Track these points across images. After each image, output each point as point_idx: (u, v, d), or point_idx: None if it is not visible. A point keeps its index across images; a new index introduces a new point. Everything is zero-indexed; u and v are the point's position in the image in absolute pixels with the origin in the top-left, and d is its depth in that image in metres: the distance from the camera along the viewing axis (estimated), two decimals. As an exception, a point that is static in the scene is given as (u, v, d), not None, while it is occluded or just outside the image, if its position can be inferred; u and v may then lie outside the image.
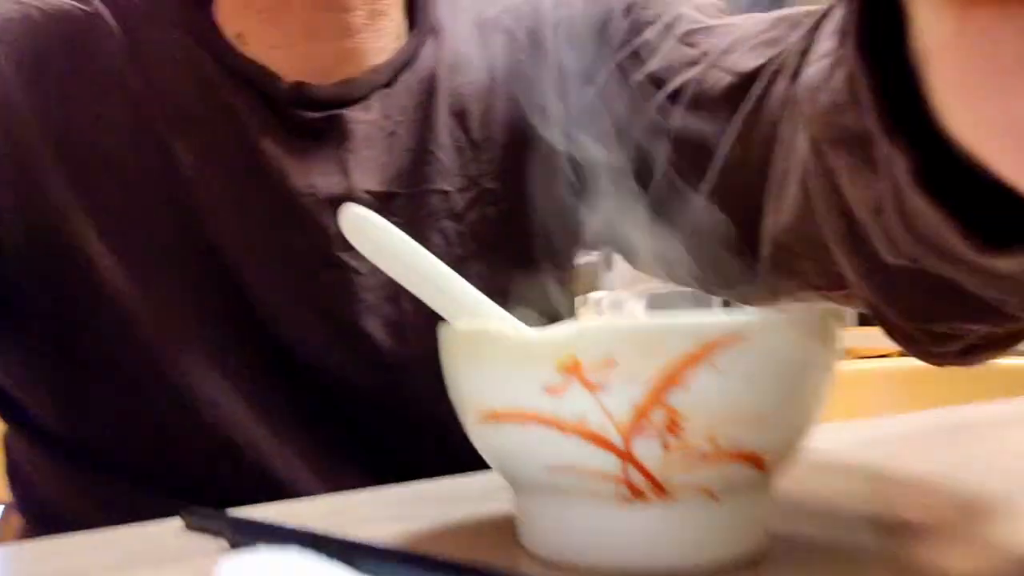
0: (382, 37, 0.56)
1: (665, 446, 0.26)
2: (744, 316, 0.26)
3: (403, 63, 0.56)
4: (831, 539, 0.32)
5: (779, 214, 0.37)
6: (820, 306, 0.29)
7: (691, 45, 0.52)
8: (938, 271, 0.24)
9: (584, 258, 0.68)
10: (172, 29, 0.54)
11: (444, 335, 0.31)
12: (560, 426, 0.27)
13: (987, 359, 0.30)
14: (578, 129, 0.56)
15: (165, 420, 0.52)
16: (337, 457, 0.54)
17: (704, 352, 0.25)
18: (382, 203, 0.54)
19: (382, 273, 0.52)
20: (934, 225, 0.21)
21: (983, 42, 0.10)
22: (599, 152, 0.52)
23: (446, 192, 0.56)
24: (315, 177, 0.53)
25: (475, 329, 0.29)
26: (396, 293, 0.53)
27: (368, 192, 0.54)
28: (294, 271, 0.53)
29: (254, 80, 0.53)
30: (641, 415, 0.26)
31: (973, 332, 0.29)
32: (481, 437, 0.30)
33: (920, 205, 0.21)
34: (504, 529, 0.34)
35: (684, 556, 0.28)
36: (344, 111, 0.54)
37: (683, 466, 0.27)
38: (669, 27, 0.54)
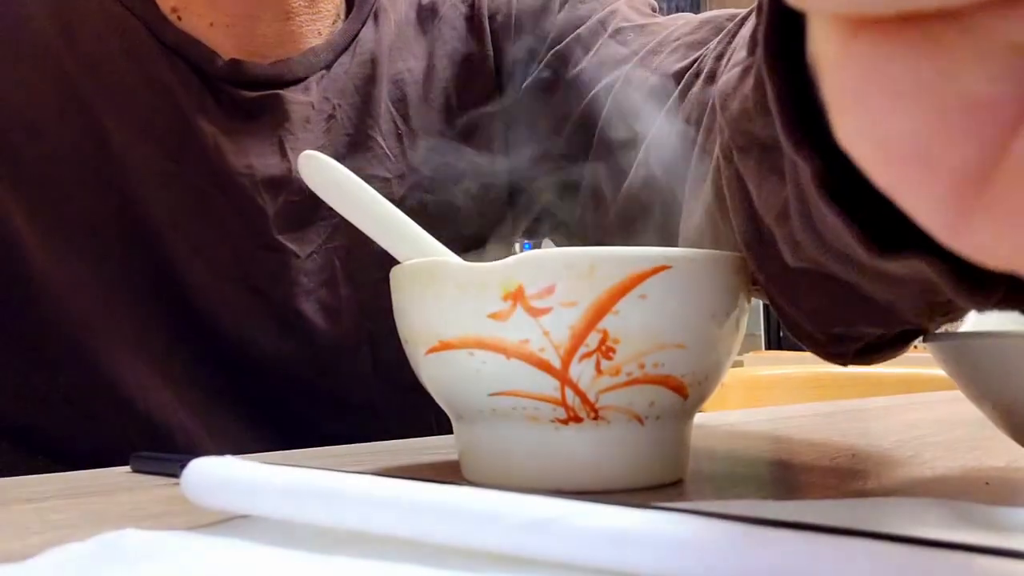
0: (320, 19, 0.56)
1: (598, 369, 0.29)
2: (672, 250, 0.29)
3: (343, 46, 0.56)
4: (744, 469, 0.36)
5: (692, 216, 0.38)
6: (735, 254, 0.32)
7: (622, 43, 0.54)
8: (838, 274, 0.25)
9: (518, 247, 0.71)
10: (105, 0, 0.53)
11: (395, 274, 0.33)
12: (504, 350, 0.29)
13: (883, 359, 0.32)
14: (512, 120, 0.58)
15: (89, 402, 0.51)
16: (268, 440, 0.52)
17: (634, 281, 0.28)
18: None
19: (319, 257, 0.54)
20: (835, 230, 0.22)
21: (864, 63, 0.11)
22: (532, 144, 0.56)
23: (385, 179, 0.56)
24: (252, 157, 0.52)
25: (425, 263, 0.32)
26: (333, 278, 0.53)
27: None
28: (229, 252, 0.52)
29: (189, 56, 0.52)
30: (577, 338, 0.28)
31: (869, 334, 0.30)
32: (429, 368, 0.32)
33: (822, 211, 0.21)
34: (446, 469, 0.37)
35: (615, 475, 0.31)
36: (282, 91, 0.54)
37: (614, 388, 0.29)
38: (603, 23, 0.56)
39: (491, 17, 0.60)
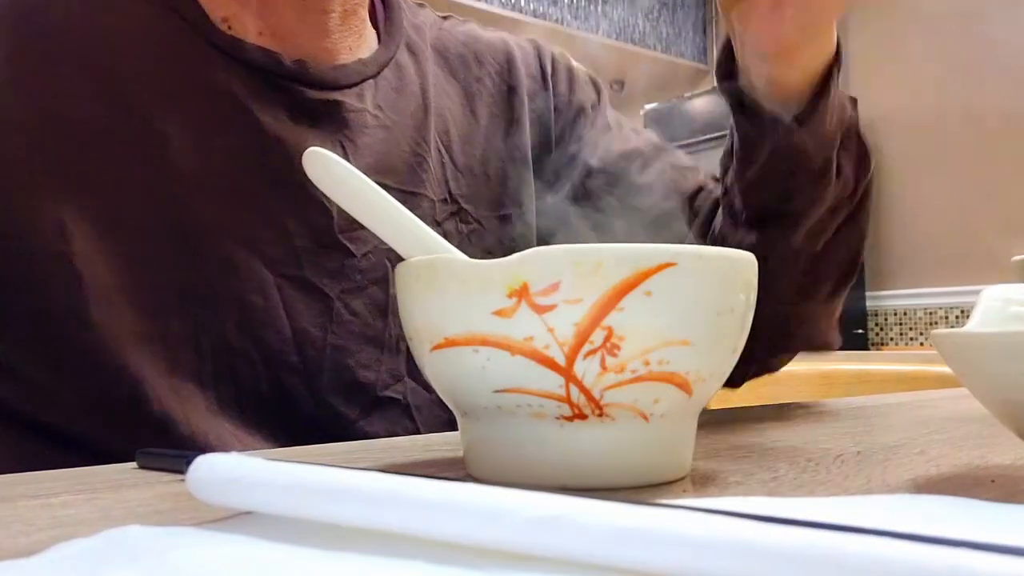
0: (350, 36, 0.59)
1: (603, 365, 0.29)
2: (678, 247, 0.29)
3: (383, 62, 0.60)
4: (749, 466, 0.36)
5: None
6: (742, 252, 0.32)
7: (635, 131, 0.74)
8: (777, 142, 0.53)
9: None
10: (145, 5, 0.54)
11: (400, 271, 0.33)
12: (509, 347, 0.29)
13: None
14: (542, 169, 0.67)
15: (124, 404, 0.50)
16: (302, 437, 0.52)
17: (640, 278, 0.28)
18: None
19: (373, 256, 0.57)
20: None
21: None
22: (557, 193, 0.65)
23: (432, 200, 0.59)
24: None
25: (430, 260, 0.32)
26: (384, 276, 0.56)
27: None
28: (288, 251, 0.53)
29: (250, 58, 0.54)
30: (582, 335, 0.28)
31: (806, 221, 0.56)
32: (434, 365, 0.32)
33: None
34: (452, 466, 0.37)
35: (620, 472, 0.31)
36: (340, 97, 0.57)
37: (619, 385, 0.29)
38: (619, 122, 0.74)
39: (542, 71, 0.69)
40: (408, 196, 0.58)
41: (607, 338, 0.28)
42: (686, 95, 4.51)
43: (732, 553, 0.17)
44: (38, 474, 0.36)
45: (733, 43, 0.54)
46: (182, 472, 0.37)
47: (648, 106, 4.58)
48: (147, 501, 0.30)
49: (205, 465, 0.25)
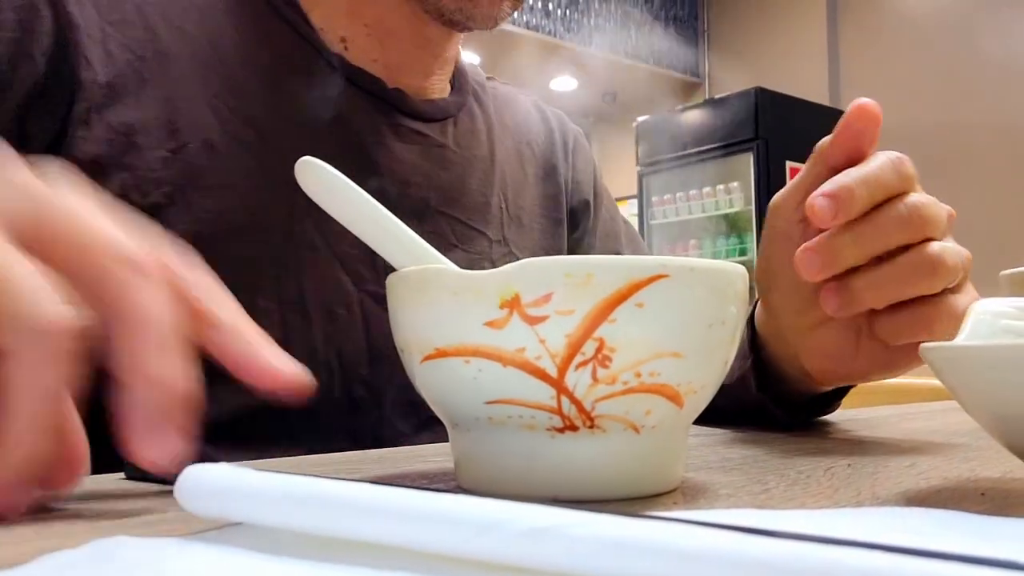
0: (443, 79, 0.66)
1: (595, 377, 0.29)
2: (670, 259, 0.29)
3: (459, 106, 0.66)
4: (739, 478, 0.36)
5: None
6: (734, 264, 0.32)
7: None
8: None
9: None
10: (266, 19, 0.57)
11: (391, 281, 0.33)
12: (501, 358, 0.29)
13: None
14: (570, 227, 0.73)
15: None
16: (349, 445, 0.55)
17: (632, 289, 0.28)
18: (451, 227, 0.62)
19: None
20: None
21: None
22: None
23: (490, 239, 0.64)
24: (410, 182, 0.59)
25: (421, 270, 0.31)
26: None
27: (441, 212, 0.61)
28: (375, 268, 0.56)
29: (360, 81, 0.58)
30: (574, 346, 0.28)
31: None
32: (425, 376, 0.32)
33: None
34: (443, 477, 0.37)
35: (610, 484, 0.31)
36: (428, 130, 0.62)
37: (610, 397, 0.29)
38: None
39: (564, 143, 0.76)
40: (473, 232, 0.63)
41: (599, 349, 0.28)
42: (678, 108, 4.53)
43: (723, 565, 0.17)
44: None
45: (775, 322, 0.53)
46: (170, 483, 0.37)
47: (640, 119, 4.60)
48: (134, 512, 0.30)
49: (193, 476, 0.25)
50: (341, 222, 0.33)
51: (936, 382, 0.33)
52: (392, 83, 0.61)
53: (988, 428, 0.33)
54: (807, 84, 4.36)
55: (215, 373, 0.49)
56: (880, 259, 0.43)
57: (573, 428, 0.30)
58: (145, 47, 0.53)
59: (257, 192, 0.54)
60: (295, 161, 0.54)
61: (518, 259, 0.66)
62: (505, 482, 0.32)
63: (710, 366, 0.31)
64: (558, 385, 0.29)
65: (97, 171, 0.50)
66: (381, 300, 0.56)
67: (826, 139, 0.47)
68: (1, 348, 0.24)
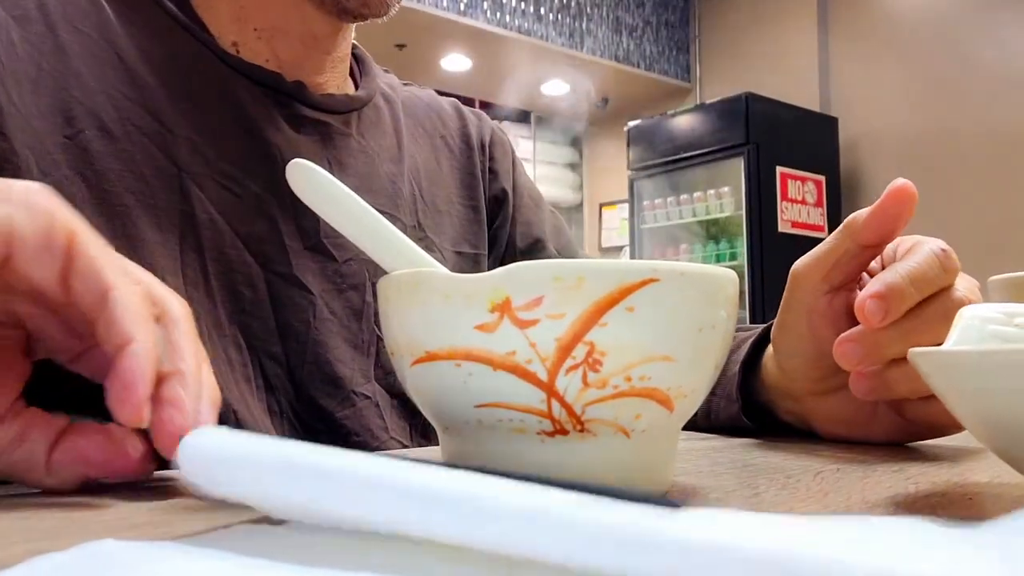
0: (339, 78, 0.67)
1: (585, 381, 0.29)
2: (660, 263, 0.29)
3: (364, 102, 0.67)
4: (728, 483, 0.36)
5: None
6: (726, 269, 0.32)
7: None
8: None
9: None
10: (163, 19, 0.58)
11: (382, 284, 0.33)
12: (491, 361, 0.29)
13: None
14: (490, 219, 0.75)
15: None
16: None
17: (622, 293, 0.28)
18: None
19: (354, 263, 0.60)
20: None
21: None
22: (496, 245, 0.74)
23: (404, 224, 0.65)
24: None
25: (412, 273, 0.32)
26: (362, 283, 0.61)
27: None
28: (280, 250, 0.58)
29: (256, 76, 0.59)
30: (564, 350, 0.28)
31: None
32: (415, 379, 0.32)
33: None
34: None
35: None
36: (331, 119, 0.63)
37: (600, 401, 0.29)
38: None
39: (480, 135, 0.77)
40: (385, 216, 0.61)
41: (589, 353, 0.28)
42: (669, 112, 4.54)
43: (711, 558, 0.17)
44: (12, 486, 0.36)
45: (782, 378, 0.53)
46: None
47: (631, 123, 4.61)
48: (123, 515, 0.30)
49: (192, 443, 0.25)
50: (331, 223, 0.33)
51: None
52: (289, 79, 0.62)
53: (976, 433, 0.33)
54: (797, 89, 4.38)
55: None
56: None
57: (563, 432, 0.30)
58: (44, 42, 0.54)
59: (154, 176, 0.54)
60: (192, 147, 0.56)
61: (435, 244, 0.68)
62: None
63: (700, 370, 0.31)
64: (549, 389, 0.29)
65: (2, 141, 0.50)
66: (289, 279, 0.58)
67: (859, 213, 0.46)
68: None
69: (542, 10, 4.55)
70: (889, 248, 0.46)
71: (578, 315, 0.28)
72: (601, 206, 5.83)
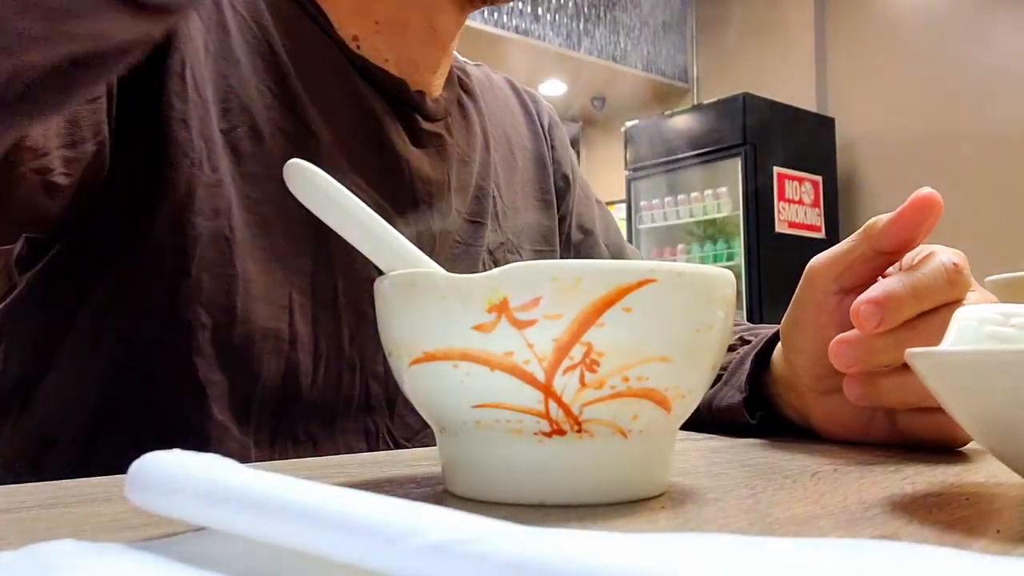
0: (444, 75, 0.66)
1: (582, 381, 0.29)
2: (658, 263, 0.29)
3: (455, 97, 0.67)
4: (726, 482, 0.36)
5: None
6: (723, 270, 0.32)
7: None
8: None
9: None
10: (299, 11, 0.58)
11: (379, 285, 0.33)
12: (488, 362, 0.29)
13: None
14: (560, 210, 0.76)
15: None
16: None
17: (620, 294, 0.28)
18: (457, 221, 0.63)
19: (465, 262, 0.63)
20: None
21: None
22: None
23: (487, 228, 0.66)
24: (431, 184, 0.60)
25: (409, 274, 0.31)
26: None
27: (456, 210, 0.63)
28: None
29: (384, 83, 0.59)
30: (562, 351, 0.28)
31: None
32: (412, 380, 0.32)
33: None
34: (430, 481, 0.37)
35: (597, 489, 0.31)
36: (439, 129, 0.63)
37: (598, 401, 0.29)
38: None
39: (541, 122, 0.77)
40: (475, 224, 0.64)
41: (587, 354, 0.28)
42: (666, 113, 4.54)
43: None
44: (9, 487, 0.36)
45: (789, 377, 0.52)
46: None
47: (629, 123, 4.61)
48: (119, 515, 0.29)
49: (145, 464, 0.24)
50: (330, 225, 0.33)
51: (922, 387, 0.33)
52: (409, 83, 0.62)
53: (973, 433, 0.33)
54: (795, 90, 4.38)
55: (261, 352, 0.50)
56: None
57: (560, 433, 0.30)
58: (211, 17, 0.53)
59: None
60: (330, 154, 0.55)
61: (515, 246, 0.68)
62: (492, 487, 0.32)
63: (698, 370, 0.31)
64: (546, 389, 0.29)
65: (185, 128, 0.50)
66: None
67: (880, 218, 0.46)
68: None
69: (539, 10, 4.55)
70: (908, 256, 0.46)
71: (575, 315, 0.28)
72: (598, 206, 5.83)
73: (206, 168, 0.50)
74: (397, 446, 0.57)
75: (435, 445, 0.55)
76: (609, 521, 0.29)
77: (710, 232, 4.44)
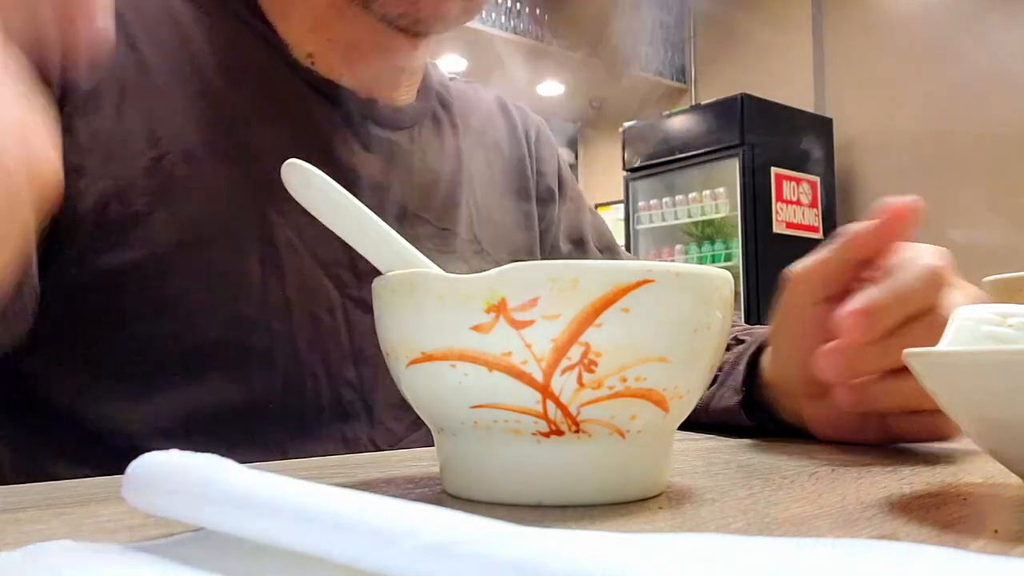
0: (409, 91, 0.67)
1: (580, 382, 0.29)
2: (656, 263, 0.29)
3: (427, 109, 0.67)
4: (724, 483, 0.36)
5: None
6: (720, 270, 0.32)
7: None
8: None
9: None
10: (241, 30, 0.58)
11: (377, 285, 0.33)
12: (486, 362, 0.29)
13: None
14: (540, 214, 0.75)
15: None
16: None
17: (618, 294, 0.28)
18: (424, 229, 0.63)
19: None
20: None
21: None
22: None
23: (462, 238, 0.66)
24: (378, 188, 0.60)
25: (407, 274, 0.31)
26: None
27: (416, 215, 0.63)
28: (356, 273, 0.58)
29: (329, 92, 0.59)
30: (560, 351, 0.28)
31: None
32: (410, 380, 0.32)
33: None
34: (428, 481, 0.36)
35: (596, 489, 0.31)
36: (397, 137, 0.63)
37: (596, 402, 0.29)
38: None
39: (527, 137, 0.77)
40: (444, 232, 0.64)
41: (585, 354, 0.28)
42: (664, 113, 4.54)
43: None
44: (6, 488, 0.36)
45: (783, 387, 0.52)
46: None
47: (626, 124, 4.61)
48: (118, 516, 0.29)
49: (142, 465, 0.24)
50: (327, 225, 0.33)
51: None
52: (363, 95, 0.62)
53: (970, 433, 0.33)
54: (792, 90, 4.39)
55: (211, 367, 0.50)
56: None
57: (559, 433, 0.30)
58: (126, 56, 0.53)
59: (237, 199, 0.54)
60: (271, 169, 0.55)
61: (490, 256, 0.67)
62: (490, 487, 0.32)
63: (696, 371, 0.31)
64: (544, 390, 0.29)
65: (79, 178, 0.50)
66: (362, 304, 0.57)
67: (855, 226, 0.46)
68: None
69: (538, 11, 4.55)
70: (891, 259, 0.46)
71: (573, 316, 0.28)
72: (596, 207, 5.82)
73: (111, 204, 0.50)
74: (377, 451, 0.56)
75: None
76: (608, 521, 0.29)
77: (708, 233, 4.44)
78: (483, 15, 4.30)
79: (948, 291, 0.44)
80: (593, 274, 0.28)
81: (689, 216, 4.45)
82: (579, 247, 0.77)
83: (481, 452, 0.31)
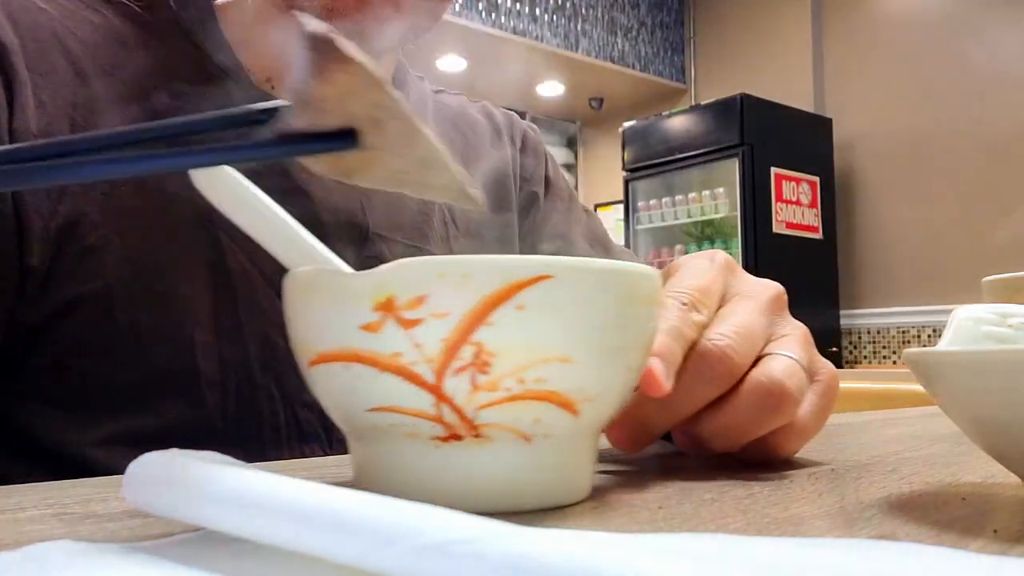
0: None
1: (474, 384, 0.27)
2: (556, 259, 0.27)
3: None
4: (723, 482, 0.36)
5: None
6: (637, 264, 0.30)
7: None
8: None
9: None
10: (196, 56, 0.57)
11: (285, 283, 0.31)
12: (376, 363, 0.27)
13: None
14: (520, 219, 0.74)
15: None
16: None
17: (511, 291, 0.27)
18: (390, 248, 0.62)
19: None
20: None
21: None
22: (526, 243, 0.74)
23: (436, 245, 0.65)
24: (343, 210, 0.60)
25: (304, 272, 0.30)
26: None
27: (380, 235, 0.62)
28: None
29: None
30: (450, 351, 0.27)
31: None
32: (312, 382, 0.31)
33: None
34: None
35: (499, 496, 0.29)
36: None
37: (493, 405, 0.27)
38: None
39: (512, 141, 0.76)
40: (415, 250, 0.63)
41: (477, 354, 0.27)
42: (664, 113, 4.54)
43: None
44: (6, 488, 0.36)
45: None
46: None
47: (626, 124, 4.61)
48: (117, 516, 0.29)
49: (142, 464, 0.25)
50: (239, 224, 0.32)
51: (919, 388, 0.33)
52: None
53: (969, 433, 0.33)
54: (792, 90, 4.38)
55: (164, 393, 0.50)
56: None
57: (457, 437, 0.28)
58: (75, 95, 0.53)
59: (187, 228, 0.53)
60: None
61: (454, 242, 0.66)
62: (398, 493, 0.29)
63: (607, 371, 0.30)
64: (437, 392, 0.27)
65: (36, 218, 0.50)
66: None
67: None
68: None
69: (537, 11, 4.55)
70: (670, 268, 0.43)
71: (464, 314, 0.26)
72: (596, 207, 5.83)
73: (68, 241, 0.50)
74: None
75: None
76: (606, 522, 0.28)
77: (708, 233, 4.43)
78: (483, 15, 4.30)
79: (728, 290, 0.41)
80: (485, 269, 0.27)
81: (689, 216, 4.44)
82: (563, 244, 0.76)
83: (384, 456, 0.30)
